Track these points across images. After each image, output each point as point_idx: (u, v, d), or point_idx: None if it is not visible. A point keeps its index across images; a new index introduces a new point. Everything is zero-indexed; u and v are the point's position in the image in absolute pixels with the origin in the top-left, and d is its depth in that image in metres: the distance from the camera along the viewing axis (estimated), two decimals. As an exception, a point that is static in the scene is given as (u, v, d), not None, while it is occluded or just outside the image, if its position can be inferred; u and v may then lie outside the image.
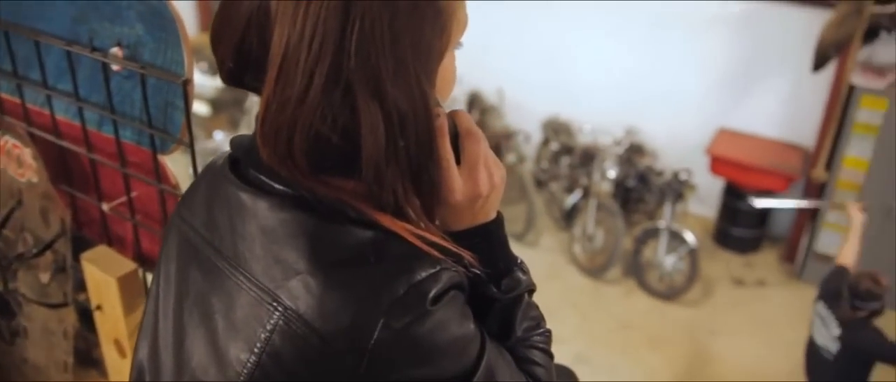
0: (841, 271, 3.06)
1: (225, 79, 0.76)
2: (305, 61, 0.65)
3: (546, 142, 5.60)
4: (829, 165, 4.62)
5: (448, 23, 0.71)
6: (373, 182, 0.69)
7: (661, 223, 4.63)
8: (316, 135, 0.67)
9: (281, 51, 0.66)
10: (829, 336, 2.98)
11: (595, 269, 4.85)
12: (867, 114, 4.37)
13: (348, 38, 0.64)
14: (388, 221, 0.71)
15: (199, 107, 5.69)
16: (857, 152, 4.47)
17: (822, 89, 4.72)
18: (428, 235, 0.72)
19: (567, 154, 5.34)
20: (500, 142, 5.37)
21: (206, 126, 5.68)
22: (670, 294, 4.65)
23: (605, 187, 4.95)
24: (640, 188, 5.06)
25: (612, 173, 4.90)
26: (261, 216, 0.74)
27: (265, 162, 0.70)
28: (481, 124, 5.71)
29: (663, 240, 4.61)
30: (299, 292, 0.69)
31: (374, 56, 0.65)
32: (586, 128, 5.24)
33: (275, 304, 0.70)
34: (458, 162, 0.79)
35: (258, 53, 0.70)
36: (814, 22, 4.42)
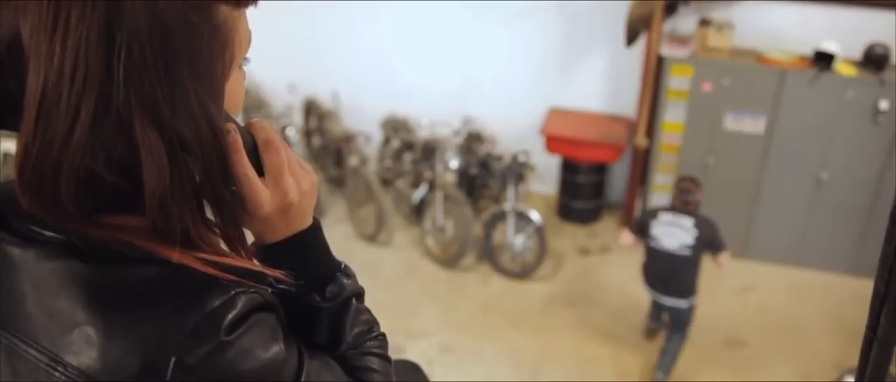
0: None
1: None
2: (68, 98, 0.59)
3: (387, 140, 5.61)
4: (650, 132, 4.97)
5: (229, 39, 0.67)
6: (158, 215, 0.64)
7: (507, 205, 4.76)
8: (88, 174, 0.61)
9: (38, 90, 0.59)
10: (681, 234, 3.70)
11: (450, 259, 4.92)
12: (677, 80, 4.74)
13: (115, 69, 0.59)
14: (176, 255, 0.66)
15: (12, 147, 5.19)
16: (673, 117, 4.84)
17: (636, 62, 5.05)
18: (223, 260, 0.68)
19: (408, 150, 5.38)
20: (342, 146, 5.32)
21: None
22: (524, 272, 4.81)
23: (450, 178, 5.03)
24: (483, 174, 5.20)
25: (454, 163, 4.99)
26: (29, 269, 0.67)
27: (27, 210, 0.64)
28: (320, 130, 5.64)
29: (511, 222, 4.75)
30: (80, 346, 0.63)
31: (148, 84, 0.60)
32: (424, 123, 5.29)
33: (54, 364, 0.64)
34: (263, 174, 0.75)
35: (17, 91, 0.62)
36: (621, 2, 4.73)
